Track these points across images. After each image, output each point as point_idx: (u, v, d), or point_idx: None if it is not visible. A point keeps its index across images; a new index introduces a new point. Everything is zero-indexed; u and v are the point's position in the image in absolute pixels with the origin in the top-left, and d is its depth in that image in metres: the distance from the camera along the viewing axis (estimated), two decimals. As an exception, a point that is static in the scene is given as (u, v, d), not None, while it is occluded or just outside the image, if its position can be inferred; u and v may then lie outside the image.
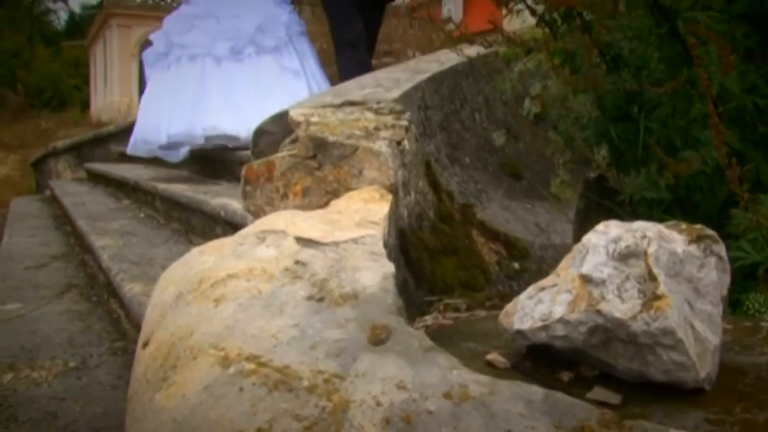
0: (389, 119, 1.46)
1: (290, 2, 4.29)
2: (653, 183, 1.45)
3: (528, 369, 0.91)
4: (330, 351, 0.75)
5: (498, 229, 1.74)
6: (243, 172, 1.41)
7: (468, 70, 2.32)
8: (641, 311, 0.80)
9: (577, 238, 0.94)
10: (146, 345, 0.90)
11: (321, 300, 0.85)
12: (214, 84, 3.78)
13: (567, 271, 0.90)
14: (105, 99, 25.24)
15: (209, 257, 0.99)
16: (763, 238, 1.22)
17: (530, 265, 1.71)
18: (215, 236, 2.57)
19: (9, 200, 6.96)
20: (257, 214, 1.36)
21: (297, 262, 0.94)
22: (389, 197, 1.26)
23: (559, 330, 0.86)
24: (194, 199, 2.93)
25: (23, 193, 8.62)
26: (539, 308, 0.89)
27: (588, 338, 0.84)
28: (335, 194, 1.31)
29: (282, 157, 1.37)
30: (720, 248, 0.91)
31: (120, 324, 2.25)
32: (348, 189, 1.31)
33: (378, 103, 1.59)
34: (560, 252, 1.55)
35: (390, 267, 0.95)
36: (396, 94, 1.72)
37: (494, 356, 0.93)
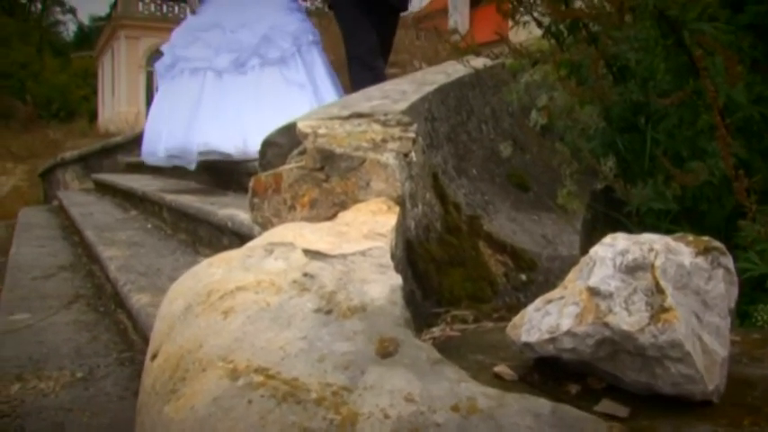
0: (397, 131, 1.47)
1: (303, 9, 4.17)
2: (660, 193, 1.45)
3: (536, 381, 0.90)
4: (338, 363, 0.75)
5: (505, 241, 1.74)
6: (251, 184, 1.41)
7: (475, 81, 2.33)
8: (649, 324, 0.80)
9: (584, 250, 0.94)
10: (154, 357, 0.90)
11: (329, 312, 0.86)
12: (211, 99, 3.74)
13: (574, 283, 0.90)
14: (113, 109, 25.41)
15: (217, 269, 1.00)
16: (772, 249, 1.21)
17: (537, 276, 1.71)
18: (222, 246, 2.59)
19: (17, 210, 7.00)
20: (265, 226, 1.37)
21: (305, 274, 0.95)
22: (397, 209, 1.27)
23: (567, 343, 0.86)
24: (202, 210, 2.94)
25: (31, 203, 8.66)
26: (546, 320, 0.89)
27: (596, 351, 0.84)
28: (343, 206, 1.32)
29: (290, 168, 1.37)
30: (728, 260, 0.91)
31: (128, 335, 2.25)
32: (356, 201, 1.32)
33: (385, 114, 1.60)
34: (567, 263, 1.55)
35: (398, 280, 0.95)
36: (403, 105, 1.72)
37: (501, 369, 0.93)
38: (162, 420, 0.78)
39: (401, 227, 1.27)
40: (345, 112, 1.64)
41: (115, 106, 25.03)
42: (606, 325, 0.82)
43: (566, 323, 0.86)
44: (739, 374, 0.91)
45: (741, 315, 1.26)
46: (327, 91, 3.91)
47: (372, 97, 1.93)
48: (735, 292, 0.91)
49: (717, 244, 0.91)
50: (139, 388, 0.92)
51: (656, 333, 0.80)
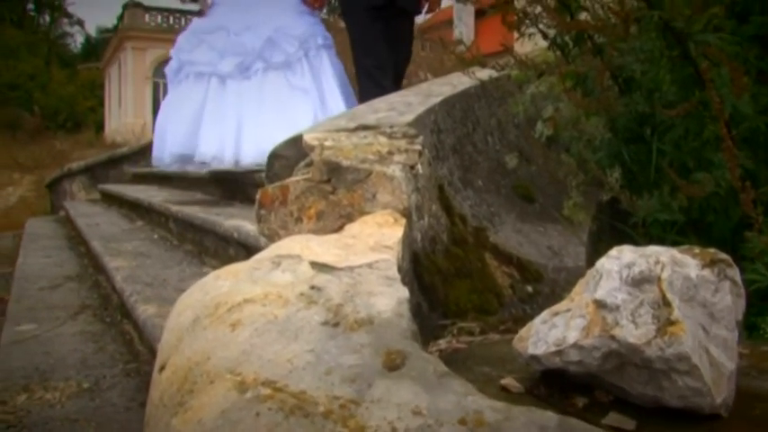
0: (403, 143, 1.47)
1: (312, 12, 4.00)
2: (666, 205, 1.45)
3: (542, 394, 0.90)
4: (345, 376, 0.75)
5: (511, 253, 1.74)
6: (257, 196, 1.42)
7: (481, 93, 2.33)
8: (655, 337, 0.80)
9: (591, 261, 0.94)
10: (162, 369, 0.90)
11: (336, 325, 0.86)
12: (213, 107, 3.72)
13: (580, 296, 0.90)
14: (120, 120, 25.54)
15: (225, 282, 1.00)
16: (778, 260, 1.21)
17: (543, 288, 1.71)
18: (228, 257, 2.59)
19: (24, 220, 7.03)
20: (272, 238, 1.37)
21: (312, 287, 0.95)
22: (403, 221, 1.27)
23: (573, 356, 0.86)
24: (207, 220, 2.95)
25: (38, 213, 8.70)
26: (553, 333, 0.89)
27: (602, 364, 0.84)
28: (349, 218, 1.32)
29: (297, 180, 1.38)
30: (735, 273, 0.91)
31: (134, 345, 2.26)
32: (362, 213, 1.32)
33: (391, 127, 1.60)
34: (573, 275, 1.55)
35: (405, 292, 0.96)
36: (409, 117, 1.73)
37: (508, 381, 0.93)
38: (170, 433, 0.78)
39: (407, 239, 1.27)
40: (352, 124, 1.64)
41: (122, 117, 25.18)
42: (613, 338, 0.82)
43: (572, 336, 0.86)
44: (747, 387, 0.90)
45: (749, 327, 1.26)
46: (334, 97, 3.79)
47: (378, 109, 1.94)
48: (742, 304, 0.91)
49: (723, 256, 0.91)
50: (147, 400, 0.92)
51: (662, 346, 0.79)
